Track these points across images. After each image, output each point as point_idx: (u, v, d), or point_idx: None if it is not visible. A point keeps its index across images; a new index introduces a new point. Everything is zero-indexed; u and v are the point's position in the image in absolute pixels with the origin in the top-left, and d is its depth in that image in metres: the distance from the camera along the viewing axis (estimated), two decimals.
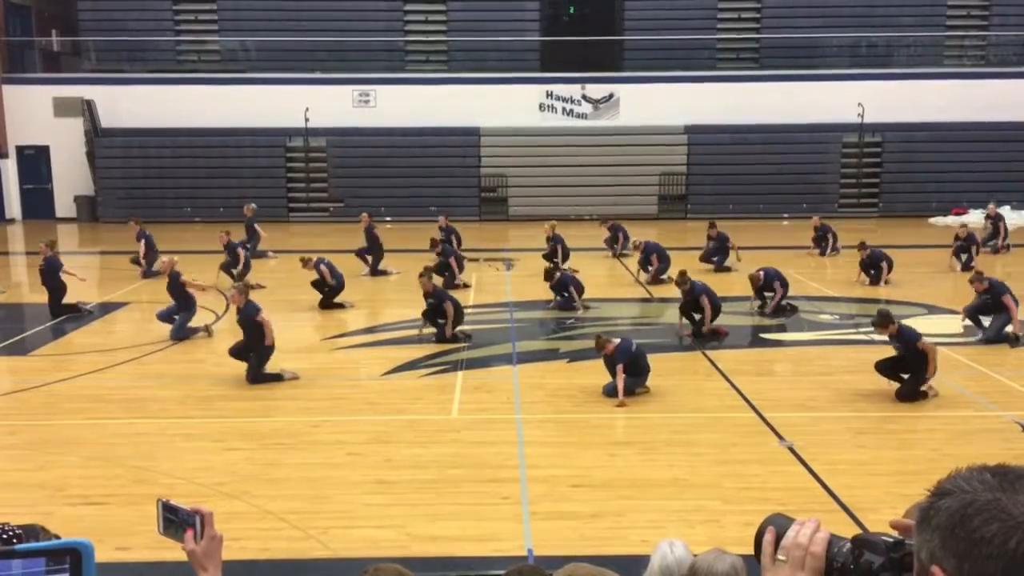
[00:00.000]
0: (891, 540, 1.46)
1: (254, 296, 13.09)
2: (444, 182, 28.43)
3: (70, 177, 29.36)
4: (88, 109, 28.82)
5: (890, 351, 10.88)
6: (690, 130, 29.36)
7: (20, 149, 29.64)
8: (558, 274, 16.07)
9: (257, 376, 11.42)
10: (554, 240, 19.55)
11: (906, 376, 10.56)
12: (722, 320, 14.14)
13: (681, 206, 29.17)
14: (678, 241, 20.91)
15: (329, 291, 15.95)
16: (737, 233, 20.08)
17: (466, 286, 17.63)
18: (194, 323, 14.09)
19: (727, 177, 28.68)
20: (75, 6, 30.19)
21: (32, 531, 1.77)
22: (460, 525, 7.34)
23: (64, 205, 29.51)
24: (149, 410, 10.51)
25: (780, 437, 9.30)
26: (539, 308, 15.96)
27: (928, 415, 10.16)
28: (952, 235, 20.29)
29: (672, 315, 14.50)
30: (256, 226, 21.57)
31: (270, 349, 11.61)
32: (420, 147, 29.00)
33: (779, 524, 1.58)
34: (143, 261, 19.06)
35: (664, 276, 17.88)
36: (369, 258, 19.20)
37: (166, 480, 8.26)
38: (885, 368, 10.72)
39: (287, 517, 7.44)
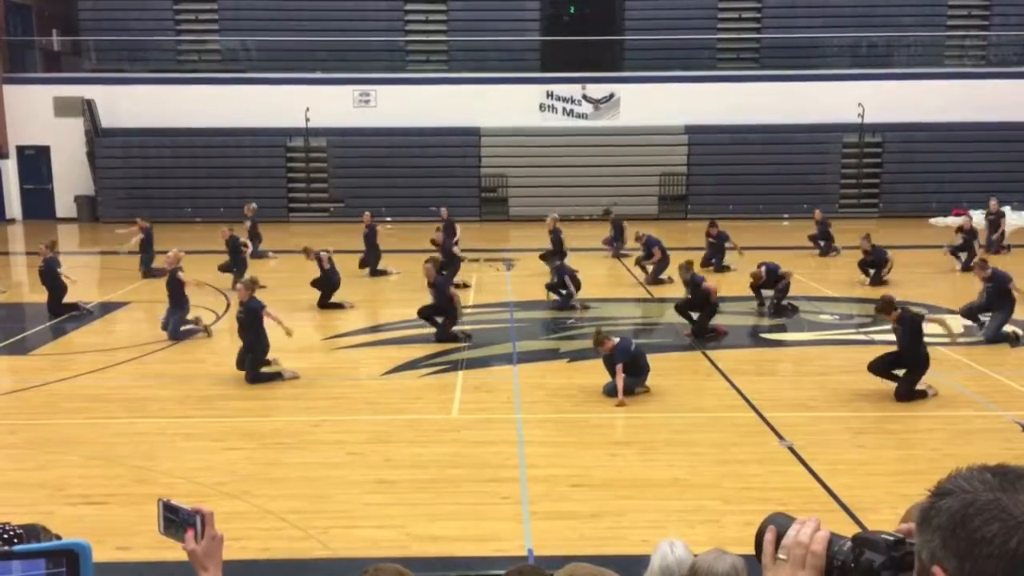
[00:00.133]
0: (892, 539, 1.47)
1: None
2: (444, 182, 28.42)
3: (70, 177, 29.37)
4: (88, 109, 28.83)
5: (882, 351, 10.89)
6: (690, 130, 29.36)
7: (20, 149, 29.65)
8: (558, 262, 16.13)
9: (256, 376, 11.42)
10: (554, 232, 19.63)
11: (901, 375, 10.57)
12: (722, 320, 14.15)
13: (681, 206, 29.17)
14: (678, 241, 20.89)
15: (326, 289, 15.99)
16: (737, 233, 20.07)
17: (466, 286, 17.63)
18: (194, 323, 14.11)
19: (727, 177, 28.68)
20: (75, 6, 30.20)
21: (33, 531, 1.77)
22: (460, 525, 7.34)
23: (64, 205, 29.52)
24: (149, 410, 10.52)
25: (780, 437, 9.30)
26: (539, 308, 15.97)
27: (928, 415, 10.16)
28: (952, 235, 20.26)
29: (672, 315, 14.50)
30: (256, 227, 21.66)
31: (266, 349, 11.64)
32: (420, 147, 29.01)
33: (780, 523, 1.58)
34: (138, 243, 19.25)
35: (663, 276, 17.90)
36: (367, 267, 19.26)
37: (166, 480, 8.27)
38: (879, 368, 10.71)
39: (287, 517, 7.44)
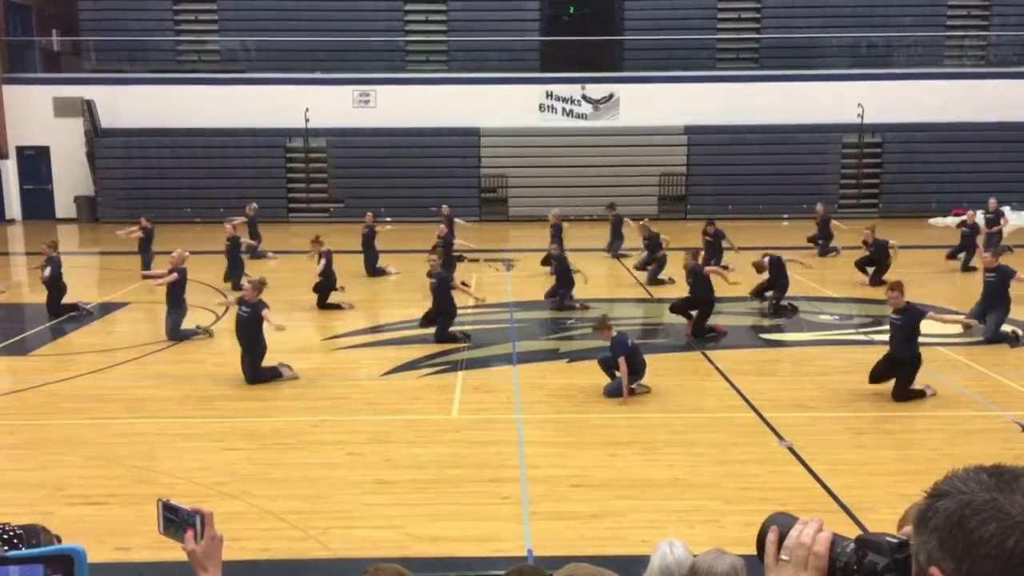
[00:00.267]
0: (895, 541, 1.46)
1: None
2: (444, 182, 28.41)
3: (70, 177, 29.38)
4: (88, 109, 28.83)
5: (880, 352, 10.88)
6: (690, 130, 29.37)
7: (20, 149, 29.65)
8: (558, 254, 16.18)
9: (256, 376, 11.42)
10: (555, 228, 19.64)
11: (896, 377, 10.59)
12: (722, 320, 14.15)
13: (681, 206, 29.17)
14: (678, 241, 20.85)
15: (323, 288, 16.04)
16: (737, 233, 20.08)
17: (465, 285, 17.60)
18: (194, 324, 14.11)
19: (727, 177, 28.69)
20: (75, 6, 30.21)
21: (32, 531, 1.77)
22: (460, 525, 7.34)
23: (64, 205, 29.52)
24: (149, 410, 10.52)
25: (780, 437, 9.31)
26: (539, 308, 15.97)
27: (927, 415, 10.16)
28: (952, 237, 20.24)
29: (672, 315, 14.49)
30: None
31: (264, 351, 11.64)
32: (420, 147, 29.02)
33: (782, 523, 1.58)
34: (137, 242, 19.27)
35: (663, 276, 17.90)
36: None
37: (166, 480, 8.27)
38: (879, 376, 10.70)
39: (287, 517, 7.44)
